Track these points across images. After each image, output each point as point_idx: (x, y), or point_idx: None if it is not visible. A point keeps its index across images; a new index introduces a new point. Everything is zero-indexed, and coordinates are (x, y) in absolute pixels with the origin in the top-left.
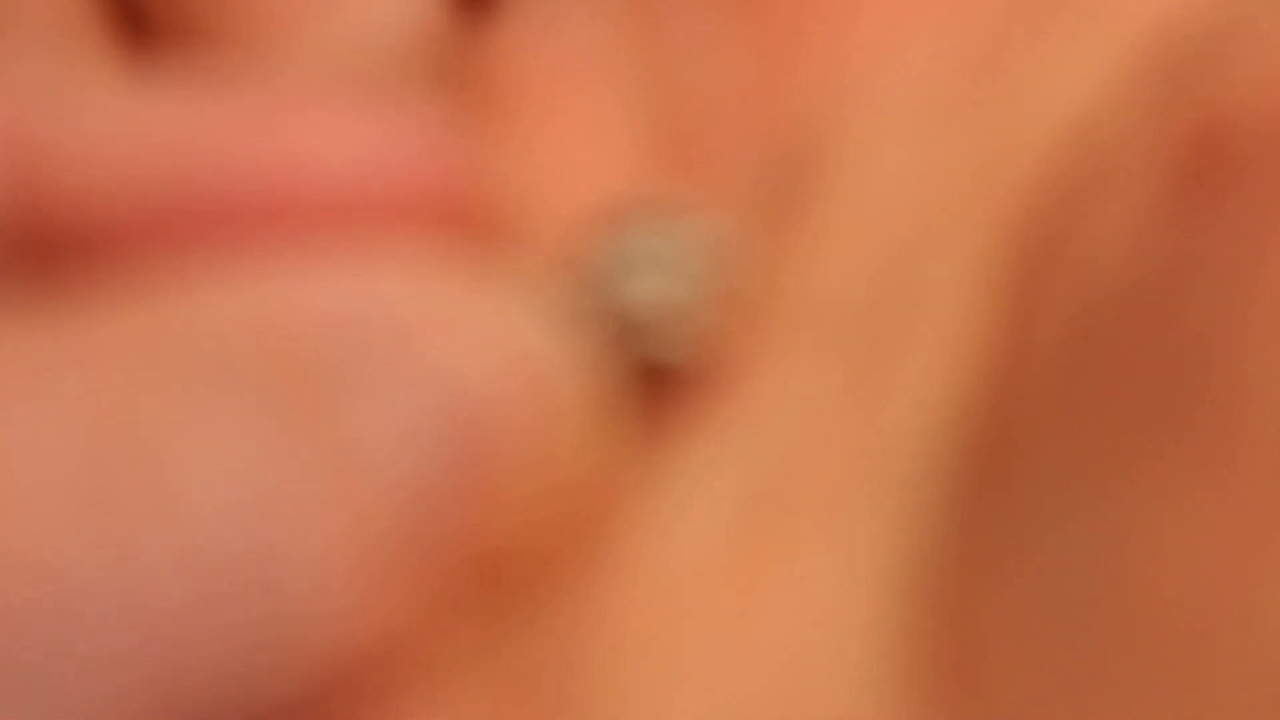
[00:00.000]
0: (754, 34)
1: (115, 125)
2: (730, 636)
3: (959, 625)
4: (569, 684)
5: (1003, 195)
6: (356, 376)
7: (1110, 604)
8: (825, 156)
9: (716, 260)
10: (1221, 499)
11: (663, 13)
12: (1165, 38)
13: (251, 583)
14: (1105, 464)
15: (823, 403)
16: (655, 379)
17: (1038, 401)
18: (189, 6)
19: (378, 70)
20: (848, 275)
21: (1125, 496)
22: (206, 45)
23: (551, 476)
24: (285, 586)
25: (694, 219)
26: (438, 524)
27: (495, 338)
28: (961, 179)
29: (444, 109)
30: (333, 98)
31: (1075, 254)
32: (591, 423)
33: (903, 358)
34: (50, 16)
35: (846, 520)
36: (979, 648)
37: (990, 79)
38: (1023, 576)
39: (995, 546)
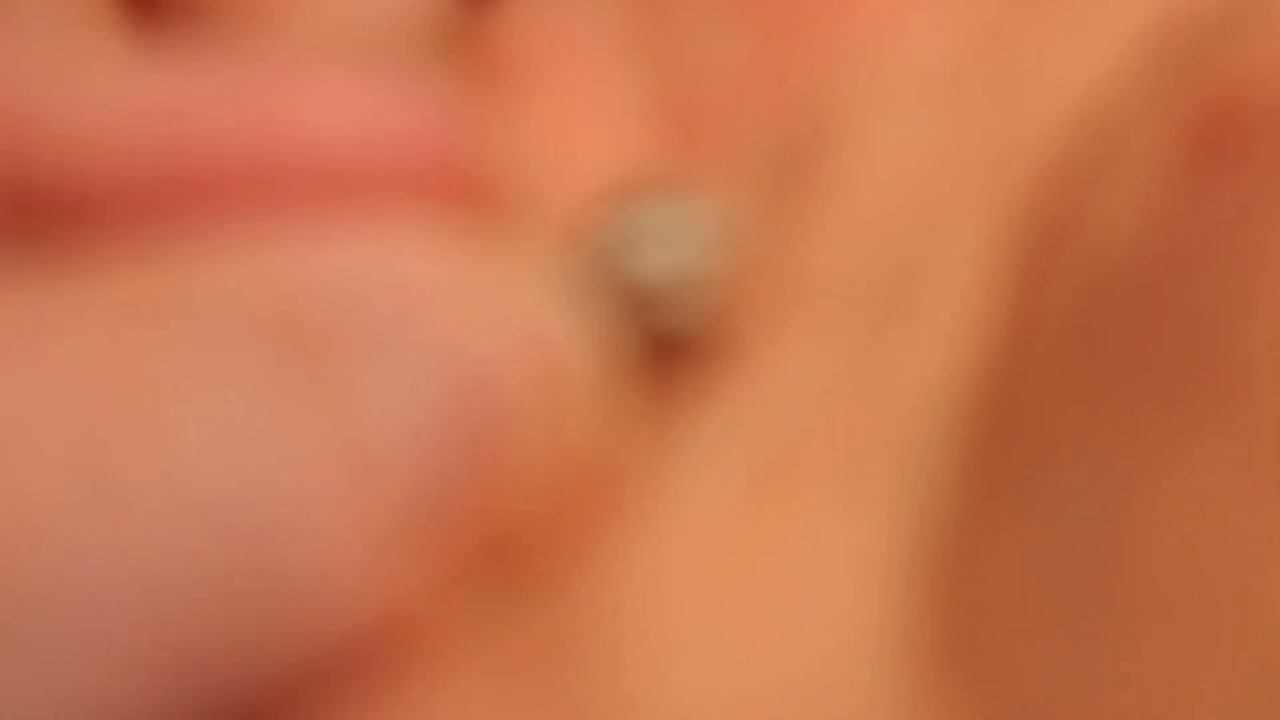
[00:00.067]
0: (759, 13)
1: (113, 93)
2: (738, 607)
3: (967, 595)
4: (574, 657)
5: (1012, 173)
6: (362, 347)
7: (1115, 569)
8: (831, 135)
9: (726, 235)
10: (1226, 464)
11: None
12: (1175, 18)
13: (256, 555)
14: (1113, 432)
15: (832, 376)
16: (665, 350)
17: (1046, 372)
18: None
19: (382, 47)
20: (855, 251)
21: (1132, 464)
22: (211, 22)
23: (559, 449)
24: (290, 559)
25: (703, 194)
26: (446, 496)
27: (502, 309)
28: (970, 157)
29: (450, 84)
30: (334, 67)
31: (1086, 228)
32: (599, 395)
33: (912, 332)
34: None
35: (856, 491)
36: (987, 617)
37: (998, 59)
38: (1030, 545)
39: (1003, 516)
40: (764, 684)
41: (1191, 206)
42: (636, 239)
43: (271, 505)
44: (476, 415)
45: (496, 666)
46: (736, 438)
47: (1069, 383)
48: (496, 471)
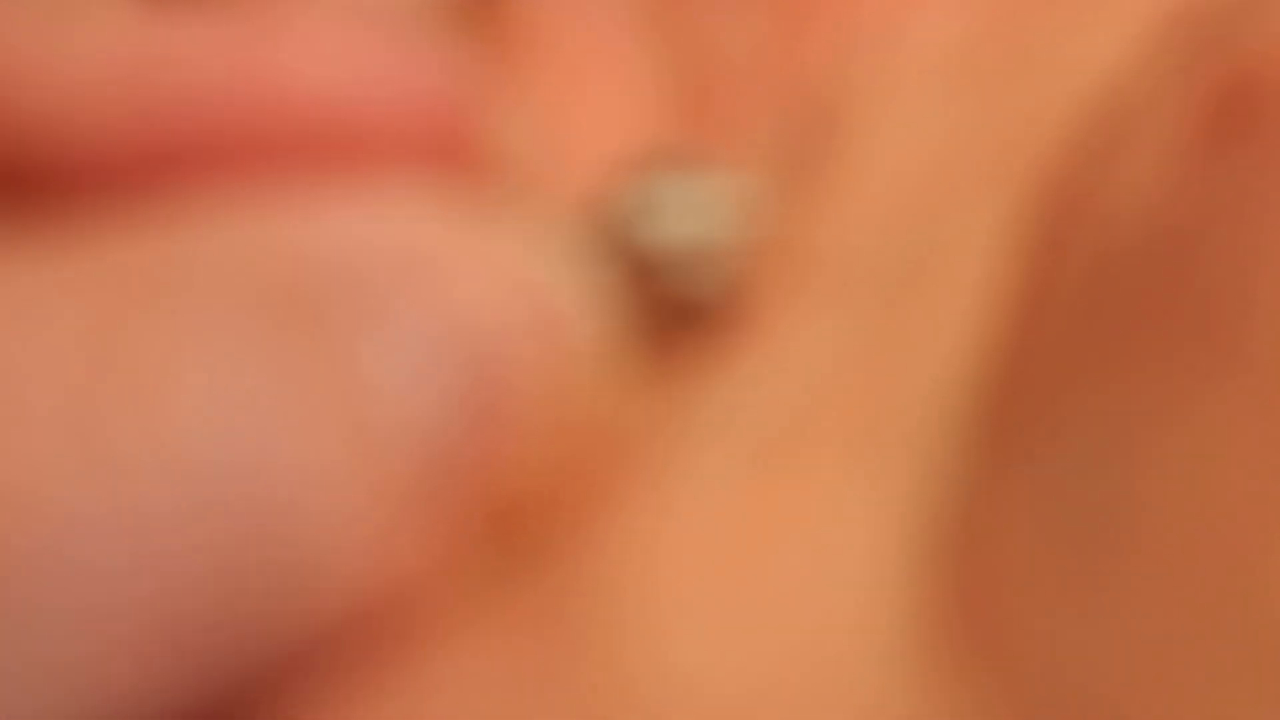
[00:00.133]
0: None
1: (104, 44)
2: (744, 579)
3: (978, 562)
4: (572, 630)
5: (1026, 152)
6: (364, 317)
7: (1121, 530)
8: (844, 115)
9: (743, 208)
10: (1227, 424)
11: None
12: (1187, 1)
13: (256, 529)
14: (1120, 395)
15: (844, 349)
16: (678, 320)
17: (1058, 340)
18: None
19: (396, 18)
20: (869, 228)
21: (1137, 426)
22: None
23: (563, 413)
24: (292, 533)
25: (719, 168)
26: (452, 468)
27: (508, 279)
28: (983, 137)
29: (462, 53)
30: (334, 21)
31: (1100, 201)
32: (603, 359)
33: (924, 307)
34: None
35: (867, 464)
36: (998, 582)
37: (1010, 41)
38: (1039, 510)
39: (1013, 483)
40: (769, 656)
41: (1204, 178)
42: (655, 207)
43: (271, 478)
44: (482, 386)
45: (498, 637)
46: (748, 409)
47: (1080, 350)
48: (503, 443)
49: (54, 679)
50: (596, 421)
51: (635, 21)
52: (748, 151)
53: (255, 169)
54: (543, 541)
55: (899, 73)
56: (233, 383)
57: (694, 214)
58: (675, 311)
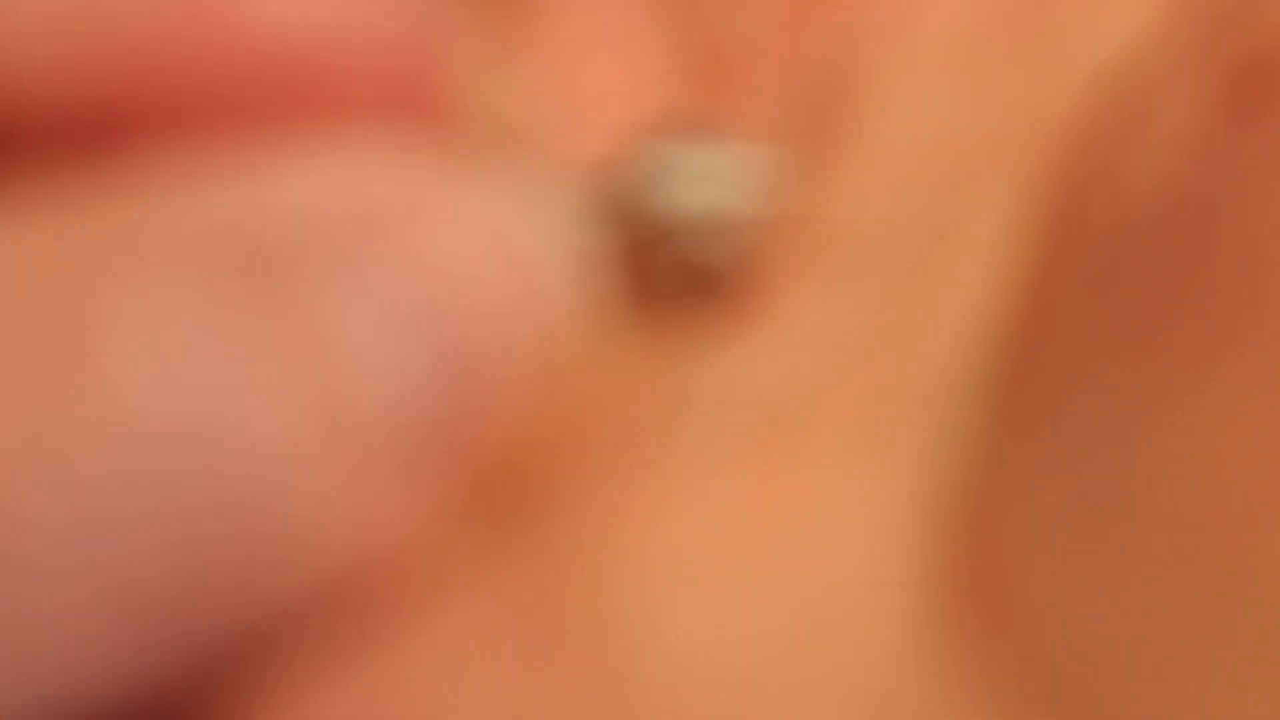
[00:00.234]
0: None
1: None
2: (750, 548)
3: (988, 536)
4: (576, 597)
5: (1040, 127)
6: (327, 267)
7: (1135, 499)
8: (857, 89)
9: (758, 178)
10: (1242, 393)
11: None
12: None
13: (221, 493)
14: (1134, 366)
15: (855, 323)
16: (690, 286)
17: (1073, 316)
18: None
19: None
20: (881, 203)
21: (1151, 395)
22: None
23: (550, 372)
24: (259, 496)
25: (735, 137)
26: (426, 420)
27: (477, 225)
28: (998, 112)
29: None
30: None
31: (1117, 175)
32: (593, 317)
33: (935, 282)
34: None
35: (876, 438)
36: (1008, 556)
37: (1025, 18)
38: (1051, 482)
39: (1024, 456)
40: (772, 630)
41: (1222, 153)
42: (670, 173)
43: (231, 444)
44: (457, 343)
45: (489, 607)
46: (756, 379)
47: (1094, 323)
48: (483, 404)
49: (21, 670)
50: (587, 382)
51: None
52: (761, 124)
53: (214, 121)
54: (537, 509)
55: (914, 47)
56: (188, 346)
57: (709, 182)
58: (686, 279)
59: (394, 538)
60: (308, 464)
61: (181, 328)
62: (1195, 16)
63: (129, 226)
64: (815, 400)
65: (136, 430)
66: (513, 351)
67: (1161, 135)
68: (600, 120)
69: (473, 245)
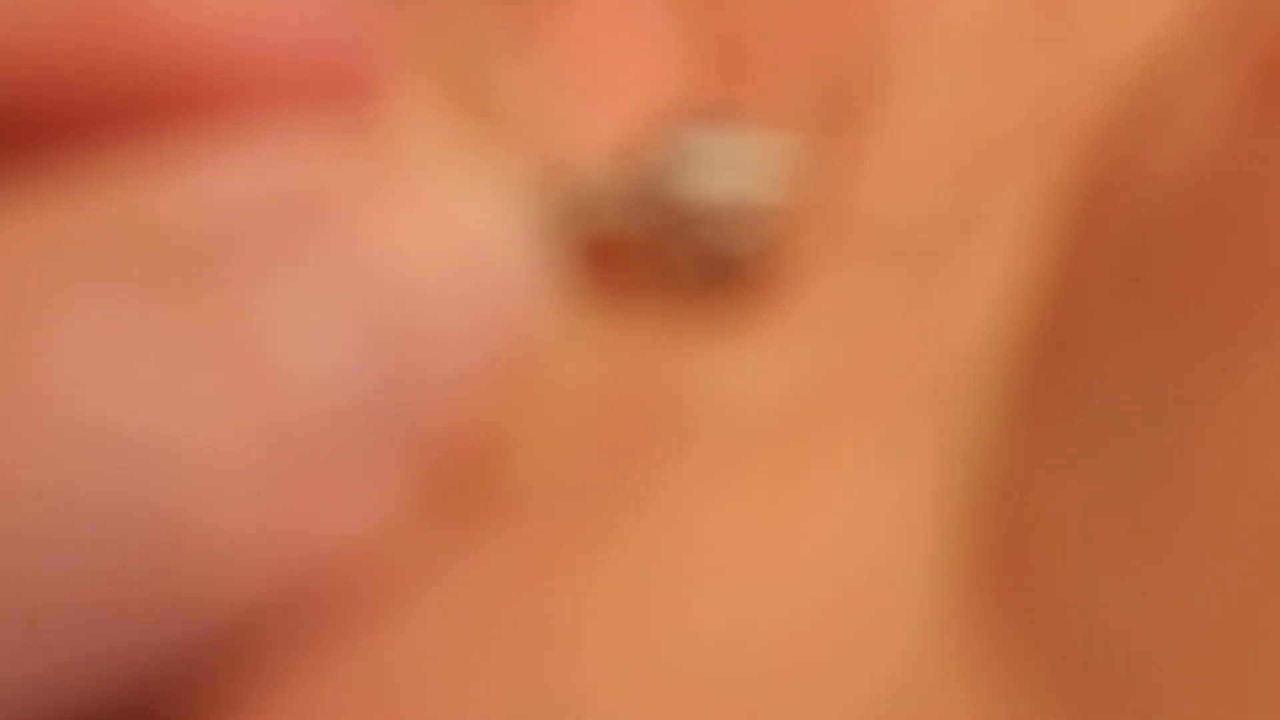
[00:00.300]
0: None
1: None
2: (774, 537)
3: (1015, 526)
4: (602, 578)
5: (1066, 116)
6: (262, 264)
7: (1169, 491)
8: (881, 77)
9: (781, 167)
10: (1276, 386)
11: None
12: None
13: (143, 504)
14: (1165, 357)
15: (880, 311)
16: (713, 274)
17: (1102, 304)
18: None
19: None
20: (904, 193)
21: (1184, 388)
22: None
23: (510, 363)
24: (185, 505)
25: (757, 125)
26: (369, 414)
27: (427, 218)
28: (1023, 101)
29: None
30: None
31: (1143, 167)
32: (554, 311)
33: (961, 270)
34: None
35: (900, 427)
36: (1036, 547)
37: (1050, 10)
38: (1080, 472)
39: (1051, 446)
40: (797, 618)
41: (1252, 142)
42: (693, 161)
43: (156, 455)
44: (404, 332)
45: (508, 594)
46: (780, 369)
47: (1124, 311)
48: (439, 393)
49: None
50: (566, 371)
51: None
52: (781, 112)
53: (140, 119)
54: (520, 487)
55: (936, 35)
56: (111, 353)
57: (733, 169)
58: (708, 269)
59: (356, 536)
60: (241, 473)
61: (103, 334)
62: (1222, 9)
63: (49, 229)
64: (838, 391)
65: (57, 444)
66: (470, 342)
67: (1189, 127)
68: (620, 109)
69: (420, 235)
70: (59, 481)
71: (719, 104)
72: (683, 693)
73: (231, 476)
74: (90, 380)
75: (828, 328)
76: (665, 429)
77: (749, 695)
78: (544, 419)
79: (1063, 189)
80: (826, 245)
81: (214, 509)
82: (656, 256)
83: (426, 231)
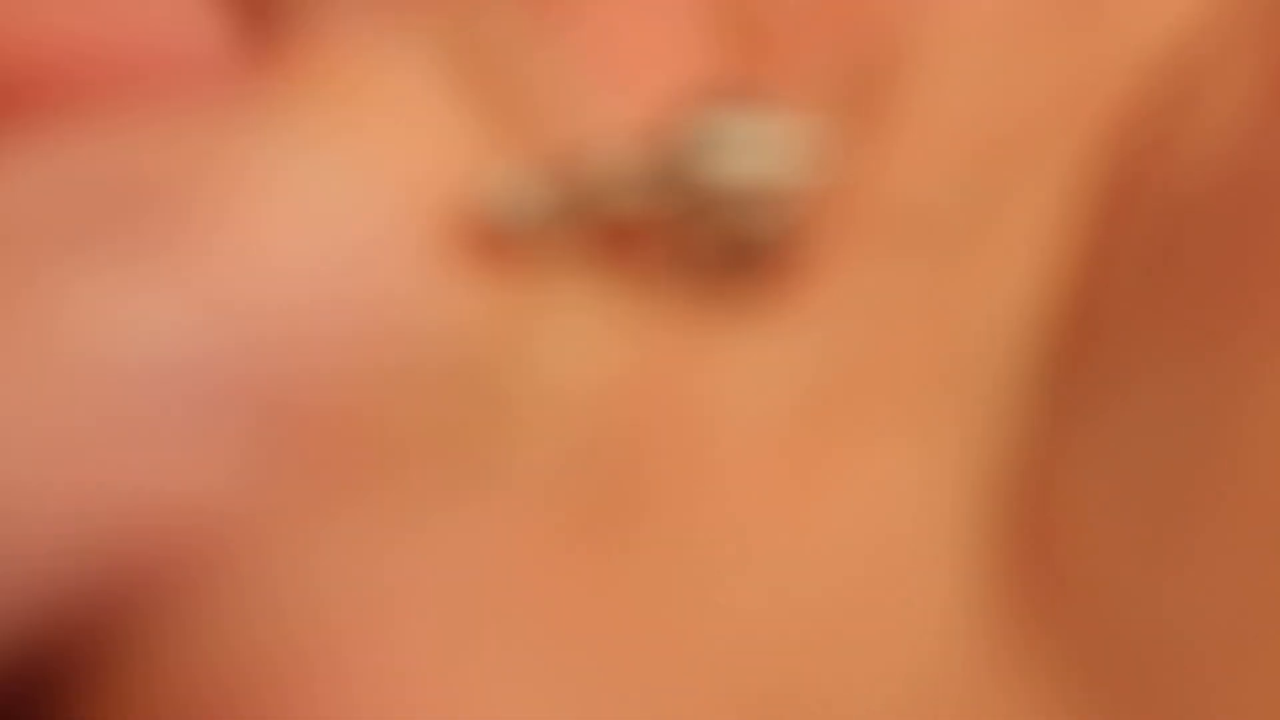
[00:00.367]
0: None
1: None
2: (798, 521)
3: (1041, 514)
4: (625, 559)
5: (1093, 105)
6: (75, 239)
7: (1202, 480)
8: (906, 61)
9: (807, 150)
10: None
11: None
12: None
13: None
14: (1198, 345)
15: (906, 296)
16: (736, 258)
17: (1127, 289)
18: None
19: None
20: (928, 180)
21: (1219, 376)
22: None
23: (375, 327)
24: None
25: (781, 108)
26: (223, 384)
27: (277, 193)
28: (1048, 89)
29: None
30: None
31: (1172, 152)
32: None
33: (984, 260)
34: None
35: (923, 416)
36: (1063, 534)
37: None
38: (1109, 460)
39: (1079, 433)
40: (824, 599)
41: None
42: (718, 143)
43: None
44: (254, 308)
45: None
46: (802, 355)
47: (1151, 297)
48: (294, 362)
49: None
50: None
51: None
52: (804, 94)
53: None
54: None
55: (965, 16)
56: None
57: (757, 152)
58: (732, 251)
59: (198, 505)
60: (57, 451)
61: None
62: None
63: None
64: (862, 376)
65: None
66: (321, 316)
67: (1219, 111)
68: (642, 90)
69: (272, 210)
70: None
71: (743, 86)
72: (710, 674)
73: (46, 456)
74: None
75: (852, 312)
76: (686, 412)
77: (777, 679)
78: (559, 396)
79: (1090, 173)
80: (851, 229)
81: (31, 491)
82: (678, 239)
83: (277, 210)
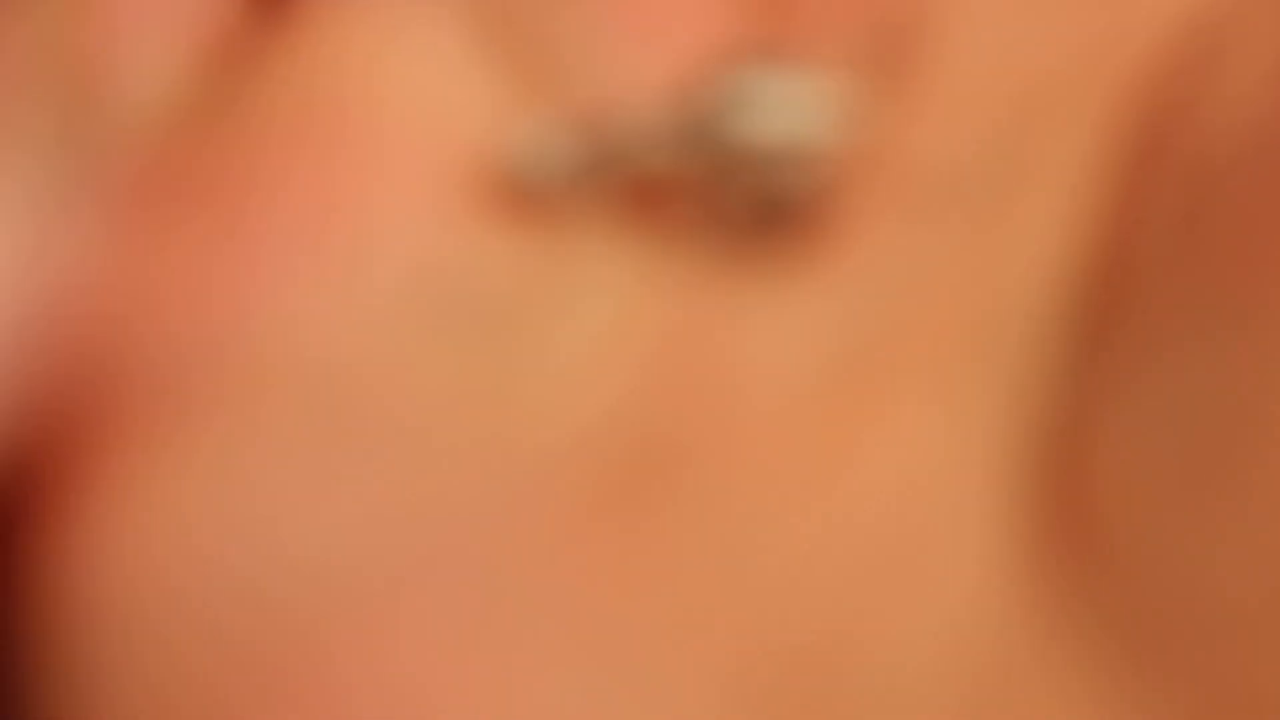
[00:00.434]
0: None
1: None
2: (826, 482)
3: (1073, 478)
4: (658, 526)
5: (1118, 66)
6: None
7: (1239, 446)
8: (934, 21)
9: (836, 111)
10: None
11: None
12: None
13: None
14: (1232, 310)
15: (931, 264)
16: (768, 216)
17: (1157, 253)
18: None
19: None
20: (955, 140)
21: (1256, 342)
22: None
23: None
24: None
25: (810, 67)
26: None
27: None
28: (1073, 49)
29: None
30: None
31: (1201, 114)
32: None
33: (1013, 220)
34: None
35: (953, 375)
36: (1096, 499)
37: None
38: (1142, 425)
39: (1111, 398)
40: (854, 564)
41: None
42: (747, 103)
43: None
44: None
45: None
46: (831, 317)
47: (1180, 257)
48: None
49: None
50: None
51: None
52: (836, 54)
53: None
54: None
55: None
56: None
57: (787, 112)
58: (761, 210)
59: None
60: None
61: None
62: None
63: None
64: (891, 338)
65: None
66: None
67: (1245, 69)
68: (671, 49)
69: None
70: None
71: (771, 45)
72: (743, 632)
73: None
74: None
75: (882, 272)
76: (717, 370)
77: (810, 637)
78: (592, 352)
79: (1116, 133)
80: (879, 189)
81: None
82: (708, 198)
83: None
